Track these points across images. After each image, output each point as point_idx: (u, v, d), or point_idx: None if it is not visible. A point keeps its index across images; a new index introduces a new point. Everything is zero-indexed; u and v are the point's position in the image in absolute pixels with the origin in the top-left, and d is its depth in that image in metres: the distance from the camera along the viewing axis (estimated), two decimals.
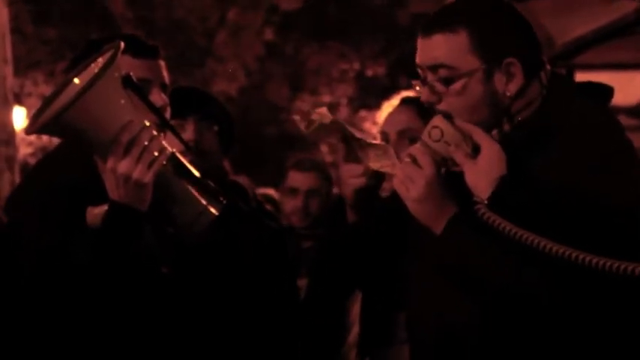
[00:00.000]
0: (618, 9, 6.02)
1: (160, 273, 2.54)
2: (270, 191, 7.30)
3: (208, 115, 3.28)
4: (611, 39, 6.44)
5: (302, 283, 3.89)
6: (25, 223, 2.45)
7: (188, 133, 3.15)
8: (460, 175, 2.19)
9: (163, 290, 2.53)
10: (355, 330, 3.91)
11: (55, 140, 2.57)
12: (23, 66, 16.63)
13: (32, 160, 15.06)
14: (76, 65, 2.48)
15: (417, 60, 2.27)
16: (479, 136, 2.19)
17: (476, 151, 2.19)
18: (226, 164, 3.58)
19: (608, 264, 1.97)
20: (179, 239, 2.51)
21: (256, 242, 2.97)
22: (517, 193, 2.12)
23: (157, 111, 2.48)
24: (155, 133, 2.36)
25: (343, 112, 20.83)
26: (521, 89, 2.22)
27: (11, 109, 12.11)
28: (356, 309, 3.84)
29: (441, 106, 2.24)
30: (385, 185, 2.32)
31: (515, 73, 2.22)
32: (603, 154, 2.14)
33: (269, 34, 19.86)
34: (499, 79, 2.22)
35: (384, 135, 3.40)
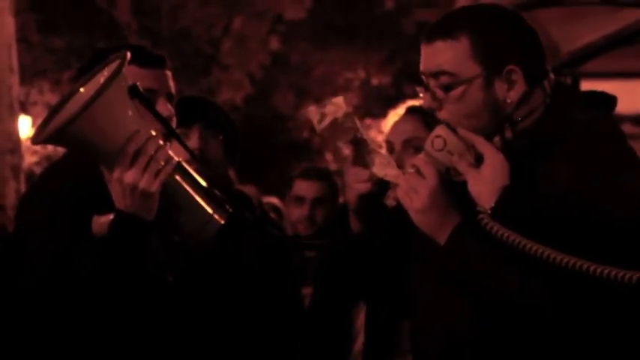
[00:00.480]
0: (624, 18, 6.02)
1: (165, 281, 2.54)
2: (274, 200, 7.30)
3: (213, 124, 3.28)
4: (616, 47, 6.43)
5: (307, 291, 3.90)
6: (30, 231, 2.45)
7: (193, 142, 3.15)
8: (463, 185, 2.19)
9: (169, 298, 2.53)
10: (360, 340, 3.90)
11: (61, 149, 2.57)
12: (29, 75, 16.67)
13: (37, 169, 15.09)
14: (83, 74, 2.48)
15: (421, 67, 2.28)
16: (482, 145, 2.19)
17: (479, 160, 2.18)
18: (231, 173, 3.58)
19: (613, 273, 1.97)
20: (185, 247, 2.51)
21: (260, 251, 2.97)
22: (520, 203, 2.11)
23: (164, 120, 2.48)
24: (161, 142, 2.36)
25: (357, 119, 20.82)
26: (524, 97, 2.22)
27: (17, 117, 12.14)
28: (361, 318, 3.83)
29: (442, 113, 2.24)
30: (390, 194, 2.32)
31: (517, 81, 2.22)
32: (606, 163, 2.13)
33: (274, 43, 19.90)
34: (500, 87, 2.22)
35: (389, 144, 3.40)
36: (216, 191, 2.46)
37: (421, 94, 2.28)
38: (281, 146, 21.02)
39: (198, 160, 2.74)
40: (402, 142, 3.36)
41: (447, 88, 2.21)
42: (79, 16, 18.06)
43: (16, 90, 12.01)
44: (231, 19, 19.47)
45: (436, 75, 2.23)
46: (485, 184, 2.14)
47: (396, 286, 2.44)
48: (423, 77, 2.27)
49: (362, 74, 22.41)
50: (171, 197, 2.39)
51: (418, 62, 2.29)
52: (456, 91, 2.21)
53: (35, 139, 2.34)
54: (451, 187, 2.20)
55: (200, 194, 2.43)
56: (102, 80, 2.31)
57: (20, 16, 14.89)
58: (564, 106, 2.24)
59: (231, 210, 2.44)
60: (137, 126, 2.32)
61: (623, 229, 2.07)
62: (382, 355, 3.43)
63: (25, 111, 15.91)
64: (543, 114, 2.24)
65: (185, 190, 2.42)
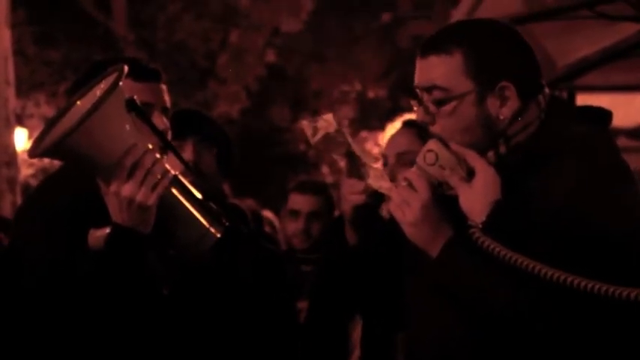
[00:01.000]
0: (619, 31, 6.04)
1: (161, 294, 2.53)
2: (269, 214, 7.29)
3: (207, 137, 3.28)
4: (611, 61, 6.45)
5: (303, 305, 3.89)
6: (27, 244, 2.45)
7: (187, 154, 3.15)
8: (455, 199, 2.19)
9: (164, 311, 2.53)
10: (357, 353, 3.90)
11: (57, 162, 2.57)
12: (25, 87, 16.68)
13: (34, 182, 15.08)
14: (79, 87, 2.48)
15: (415, 81, 2.28)
16: (473, 159, 2.19)
17: (471, 174, 2.18)
18: (225, 187, 3.58)
19: (603, 288, 1.97)
20: (181, 261, 2.51)
21: (255, 265, 2.96)
22: (512, 217, 2.11)
23: (160, 134, 2.49)
24: (158, 156, 2.36)
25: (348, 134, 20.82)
26: (518, 112, 2.22)
27: (13, 130, 12.14)
28: (357, 332, 3.83)
29: (434, 128, 2.25)
30: (384, 206, 2.32)
31: (510, 97, 2.21)
32: (600, 178, 2.13)
33: (271, 56, 19.92)
34: (492, 103, 2.22)
35: (384, 157, 3.40)
36: (213, 205, 2.46)
37: (415, 108, 2.28)
38: (277, 159, 21.03)
39: (194, 172, 2.74)
40: (395, 155, 3.37)
41: (439, 103, 2.22)
42: (75, 28, 18.08)
43: (13, 102, 12.02)
44: (227, 32, 19.49)
45: (429, 89, 2.23)
46: (477, 198, 2.14)
47: (392, 299, 2.44)
48: (417, 91, 2.28)
49: (358, 87, 22.44)
50: (167, 210, 2.39)
51: (414, 75, 2.30)
52: (448, 106, 2.21)
53: (32, 152, 2.34)
54: (443, 202, 2.20)
55: (196, 207, 2.42)
56: (99, 93, 2.31)
57: (16, 28, 14.91)
58: (559, 121, 2.24)
59: (227, 223, 2.44)
60: (134, 139, 2.32)
61: (617, 244, 2.08)
62: None
63: (22, 123, 15.91)
64: (538, 129, 2.24)
65: (181, 203, 2.42)
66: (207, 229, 2.41)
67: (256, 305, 3.00)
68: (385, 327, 3.08)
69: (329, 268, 2.51)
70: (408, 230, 2.19)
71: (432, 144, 2.22)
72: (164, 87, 2.62)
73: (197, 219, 2.41)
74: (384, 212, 2.32)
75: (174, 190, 2.40)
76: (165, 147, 2.50)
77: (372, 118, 21.96)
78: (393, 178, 2.32)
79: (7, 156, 11.78)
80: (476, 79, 2.20)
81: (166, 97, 2.62)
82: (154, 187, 2.32)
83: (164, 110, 2.60)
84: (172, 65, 18.04)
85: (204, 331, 2.72)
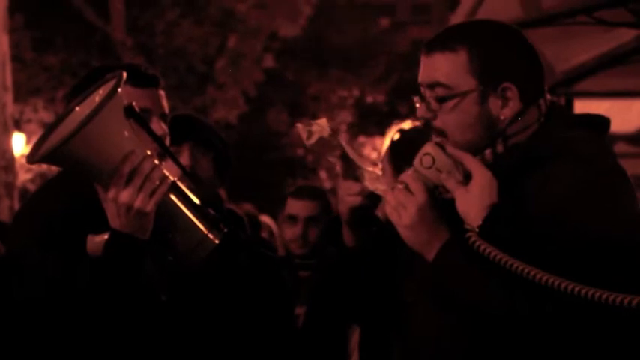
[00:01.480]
0: (617, 37, 6.05)
1: (158, 300, 2.53)
2: (266, 219, 7.29)
3: (204, 142, 3.28)
4: (610, 67, 6.46)
5: (300, 310, 3.89)
6: (25, 251, 2.44)
7: (183, 160, 3.15)
8: (451, 203, 2.19)
9: (162, 317, 2.52)
10: (355, 358, 3.90)
11: (55, 167, 2.57)
12: (23, 92, 16.69)
13: (32, 187, 15.10)
14: (78, 92, 2.48)
15: (419, 77, 2.29)
16: (470, 163, 2.19)
17: (467, 178, 2.19)
18: (222, 192, 3.58)
19: (597, 294, 1.97)
20: (178, 266, 2.51)
21: (252, 270, 2.96)
22: (508, 221, 2.12)
23: (159, 140, 2.48)
24: (156, 162, 2.36)
25: (343, 138, 20.84)
26: (518, 114, 2.22)
27: (11, 135, 12.15)
28: (356, 337, 3.83)
29: (436, 124, 2.25)
30: (381, 208, 2.33)
31: (511, 98, 2.22)
32: (595, 183, 2.13)
33: (269, 61, 19.93)
34: (494, 103, 2.22)
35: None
36: (211, 211, 2.45)
37: (417, 104, 2.29)
38: (275, 164, 21.03)
39: (192, 178, 2.74)
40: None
41: (441, 100, 2.22)
42: (73, 33, 18.10)
43: (11, 108, 12.03)
44: (225, 37, 19.51)
45: (432, 86, 2.24)
46: (473, 202, 2.14)
47: (388, 300, 2.44)
48: (421, 88, 2.28)
49: (356, 92, 22.47)
50: (165, 216, 2.39)
51: (413, 80, 2.30)
52: (450, 103, 2.22)
53: (31, 159, 2.33)
54: (439, 205, 2.21)
55: (194, 214, 2.42)
56: (98, 100, 2.31)
57: (15, 33, 14.92)
58: (557, 126, 2.24)
59: (225, 230, 2.44)
60: (133, 146, 2.32)
61: (613, 249, 2.08)
62: None
63: (20, 129, 15.93)
64: (537, 131, 2.24)
65: (180, 209, 2.41)
66: (206, 236, 2.41)
67: (253, 311, 3.00)
68: (382, 330, 3.07)
69: (327, 270, 2.51)
70: (405, 233, 2.19)
71: (428, 147, 2.22)
72: (162, 93, 2.62)
73: (195, 225, 2.41)
74: (380, 214, 2.32)
75: (172, 196, 2.40)
76: (163, 153, 2.49)
77: (370, 123, 21.97)
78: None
79: (4, 161, 11.79)
80: (479, 78, 2.21)
81: (165, 103, 2.62)
82: (152, 194, 2.32)
83: (162, 116, 2.60)
84: (171, 70, 18.07)
85: (201, 336, 2.72)
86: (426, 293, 2.23)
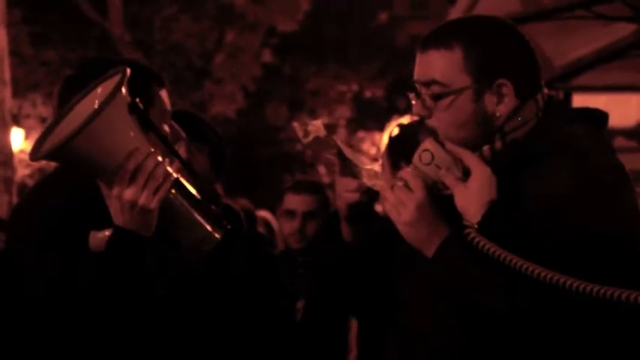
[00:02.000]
0: (615, 32, 6.04)
1: (155, 294, 2.53)
2: (266, 213, 7.29)
3: (199, 137, 3.28)
4: (608, 61, 6.46)
5: (301, 305, 3.89)
6: (26, 248, 2.43)
7: (180, 153, 3.15)
8: (451, 199, 2.19)
9: (159, 311, 2.52)
10: (354, 353, 3.90)
11: (54, 163, 2.56)
12: (22, 87, 16.68)
13: (30, 182, 15.08)
14: (74, 85, 2.47)
15: (414, 75, 2.28)
16: (469, 159, 2.19)
17: (466, 174, 2.18)
18: (218, 187, 3.58)
19: (595, 289, 1.96)
20: (180, 262, 2.51)
21: (248, 266, 2.96)
22: (508, 217, 2.12)
23: (162, 137, 2.47)
24: (160, 159, 2.36)
25: (341, 133, 20.88)
26: (515, 110, 2.22)
27: (9, 130, 12.14)
28: (354, 331, 3.84)
29: (431, 121, 2.25)
30: (379, 204, 2.33)
31: (507, 95, 2.21)
32: (594, 178, 2.13)
33: (267, 56, 19.92)
34: (489, 99, 2.22)
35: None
36: (214, 207, 2.45)
37: (413, 102, 2.29)
38: (274, 159, 21.04)
39: (193, 174, 2.73)
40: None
41: (437, 97, 2.22)
42: (71, 28, 18.08)
43: (9, 103, 12.02)
44: (223, 32, 19.49)
45: (428, 84, 2.24)
46: (472, 198, 2.14)
47: (385, 296, 2.44)
48: (416, 85, 2.28)
49: (355, 87, 22.46)
50: (169, 213, 2.38)
51: (411, 75, 2.30)
52: (445, 101, 2.21)
53: (34, 156, 2.32)
54: (439, 201, 2.20)
55: (198, 210, 2.42)
56: (100, 96, 2.30)
57: (13, 28, 14.90)
58: (555, 121, 2.24)
59: (228, 226, 2.44)
60: (137, 143, 2.31)
61: (612, 244, 2.08)
62: None
63: (18, 124, 15.91)
64: (535, 127, 2.24)
65: (183, 206, 2.41)
66: (209, 232, 2.41)
67: (250, 306, 3.00)
68: (379, 326, 3.08)
69: (325, 266, 2.51)
70: (404, 230, 2.19)
71: (427, 143, 2.22)
72: (165, 92, 2.61)
73: (199, 222, 2.41)
74: (378, 209, 2.32)
75: (175, 193, 2.39)
76: (168, 151, 2.48)
77: (369, 118, 21.98)
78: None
79: (3, 156, 11.79)
80: (474, 75, 2.20)
81: (167, 102, 2.60)
82: (156, 191, 2.32)
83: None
84: (169, 66, 18.06)
85: (198, 331, 2.72)
86: (425, 289, 2.23)
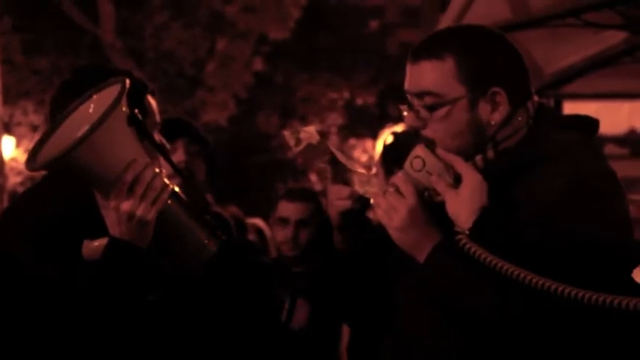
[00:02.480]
0: (606, 39, 6.06)
1: (146, 301, 2.52)
2: (258, 221, 7.29)
3: (196, 140, 3.30)
4: (598, 69, 6.48)
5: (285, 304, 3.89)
6: (19, 256, 2.42)
7: (178, 155, 3.16)
8: (441, 205, 2.20)
9: (150, 318, 2.52)
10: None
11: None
12: (13, 95, 16.65)
13: (21, 189, 15.05)
14: (67, 91, 2.47)
15: (405, 86, 2.28)
16: (460, 166, 2.19)
17: (458, 181, 2.19)
18: (208, 196, 3.58)
19: (587, 296, 1.97)
20: (174, 272, 2.50)
21: (239, 275, 2.96)
22: (499, 224, 2.12)
23: (160, 148, 2.47)
24: (157, 170, 2.35)
25: (333, 141, 20.86)
26: (507, 118, 2.23)
27: (1, 138, 12.12)
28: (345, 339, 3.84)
29: (426, 132, 2.25)
30: (371, 211, 2.33)
31: (501, 103, 2.23)
32: (585, 186, 2.14)
33: (258, 64, 19.92)
34: (484, 108, 2.23)
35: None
36: (209, 218, 2.45)
37: (405, 113, 2.29)
38: (266, 166, 21.02)
39: (190, 183, 2.73)
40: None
41: (432, 108, 2.22)
42: (63, 36, 18.06)
43: (0, 111, 12.00)
44: (215, 40, 19.49)
45: (420, 95, 2.24)
46: (464, 204, 2.15)
47: (378, 303, 2.44)
48: (408, 96, 2.28)
49: (346, 94, 22.46)
50: (165, 224, 2.38)
51: (402, 82, 2.30)
52: (440, 112, 2.22)
53: (31, 165, 2.32)
54: (430, 208, 2.21)
55: (194, 221, 2.42)
56: (99, 105, 2.29)
57: (4, 36, 14.89)
58: (546, 129, 2.25)
59: (223, 237, 2.43)
60: (135, 154, 2.31)
61: (603, 251, 2.08)
62: None
63: (9, 131, 15.89)
64: (526, 135, 2.25)
65: (179, 216, 2.40)
66: (205, 243, 2.41)
67: (240, 314, 3.00)
68: (372, 331, 3.09)
69: (318, 273, 2.52)
70: (396, 235, 2.20)
71: (419, 150, 2.23)
72: (154, 103, 2.61)
73: (195, 233, 2.41)
74: (370, 216, 2.33)
75: (172, 204, 2.39)
76: (165, 160, 2.48)
77: (361, 125, 21.98)
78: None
79: None
80: (468, 84, 2.21)
81: (157, 112, 2.60)
82: (154, 202, 2.32)
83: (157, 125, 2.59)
84: (160, 73, 18.05)
85: (189, 338, 2.72)
86: (418, 294, 2.24)
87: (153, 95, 2.58)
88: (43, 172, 2.58)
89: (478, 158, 2.23)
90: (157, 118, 2.57)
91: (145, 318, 2.42)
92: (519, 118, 2.24)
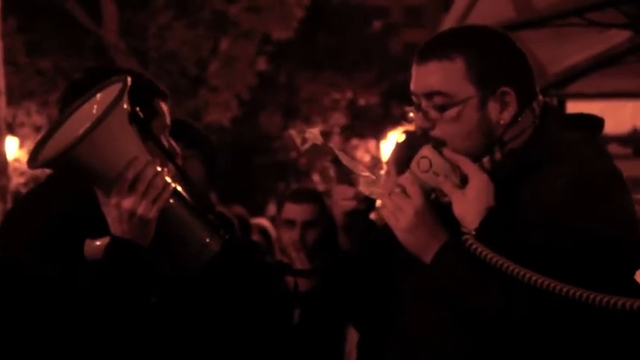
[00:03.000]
0: (610, 38, 6.05)
1: (148, 302, 2.52)
2: (264, 221, 7.30)
3: (194, 144, 3.29)
4: (602, 68, 6.47)
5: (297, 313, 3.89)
6: (24, 256, 2.42)
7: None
8: (448, 206, 2.19)
9: (152, 319, 2.52)
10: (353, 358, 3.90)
11: (48, 170, 2.55)
12: (16, 96, 16.66)
13: (24, 190, 15.06)
14: (74, 93, 2.47)
15: (412, 87, 2.28)
16: (467, 166, 2.19)
17: (464, 181, 2.19)
18: (212, 196, 3.58)
19: (591, 297, 1.97)
20: (177, 271, 2.50)
21: (243, 275, 2.96)
22: (505, 224, 2.12)
23: (162, 146, 2.47)
24: (159, 168, 2.35)
25: (336, 141, 20.89)
26: (514, 118, 2.23)
27: (4, 139, 12.14)
28: (353, 339, 3.83)
29: (435, 133, 2.25)
30: (376, 212, 2.33)
31: (510, 102, 2.23)
32: (591, 185, 2.14)
33: (262, 64, 19.93)
34: (493, 108, 2.23)
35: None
36: (211, 217, 2.45)
37: (412, 114, 2.28)
38: (268, 167, 21.04)
39: (191, 183, 2.73)
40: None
41: (442, 109, 2.22)
42: (66, 37, 18.08)
43: (3, 111, 12.01)
44: (218, 40, 19.50)
45: (429, 95, 2.24)
46: (470, 205, 2.15)
47: (383, 304, 2.44)
48: (414, 97, 2.27)
49: (349, 94, 22.49)
50: (167, 222, 2.37)
51: (405, 83, 2.29)
52: (451, 112, 2.21)
53: (32, 163, 2.31)
54: (437, 208, 2.21)
55: (196, 220, 2.41)
56: (100, 104, 2.29)
57: (7, 37, 14.90)
58: (552, 128, 2.25)
59: (226, 236, 2.43)
60: (136, 152, 2.31)
61: (609, 251, 2.08)
62: None
63: (13, 132, 15.91)
64: (532, 135, 2.25)
65: (181, 215, 2.40)
66: (207, 242, 2.40)
67: (244, 315, 3.00)
68: (378, 332, 3.08)
69: (324, 275, 2.51)
70: (402, 236, 2.19)
71: (425, 151, 2.22)
72: (166, 107, 2.61)
73: (197, 231, 2.40)
74: (375, 217, 2.32)
75: (174, 202, 2.39)
76: (168, 160, 2.48)
77: (363, 125, 22.01)
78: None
79: None
80: (477, 84, 2.20)
81: (168, 116, 2.60)
82: (155, 200, 2.31)
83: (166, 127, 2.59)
84: (164, 73, 18.06)
85: (191, 339, 2.72)
86: (424, 295, 2.23)
87: (165, 99, 2.58)
88: (47, 173, 2.58)
89: (485, 160, 2.22)
90: (168, 120, 2.57)
91: (147, 318, 2.42)
92: (526, 118, 2.24)
